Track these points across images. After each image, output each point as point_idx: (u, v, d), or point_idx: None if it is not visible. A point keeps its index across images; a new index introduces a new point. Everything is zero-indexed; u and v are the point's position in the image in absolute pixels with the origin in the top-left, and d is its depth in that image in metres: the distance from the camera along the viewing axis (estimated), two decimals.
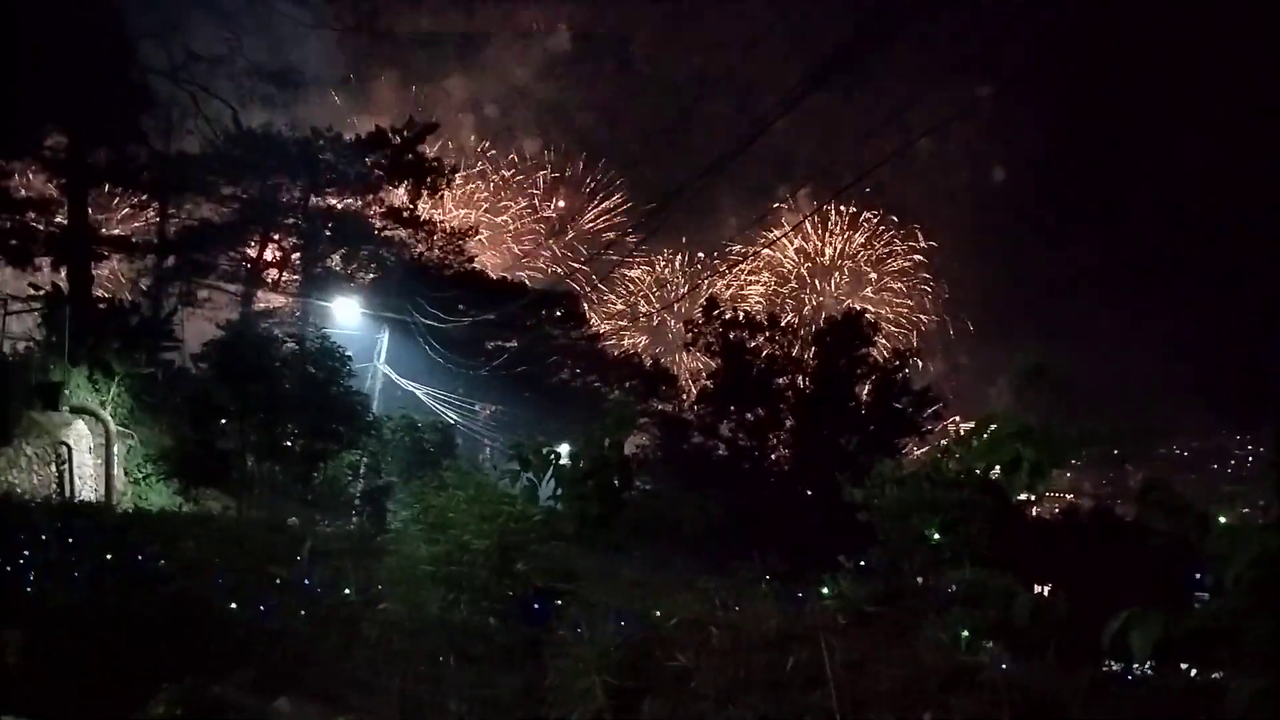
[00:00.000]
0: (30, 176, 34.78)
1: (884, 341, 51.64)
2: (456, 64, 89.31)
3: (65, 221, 32.66)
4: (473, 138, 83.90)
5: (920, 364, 47.94)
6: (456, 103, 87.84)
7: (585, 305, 59.41)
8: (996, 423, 5.42)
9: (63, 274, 31.81)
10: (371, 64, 76.00)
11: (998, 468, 5.48)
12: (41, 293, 29.63)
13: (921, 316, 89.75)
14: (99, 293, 35.69)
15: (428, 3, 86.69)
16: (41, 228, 32.50)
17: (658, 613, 8.28)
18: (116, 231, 39.76)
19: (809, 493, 43.63)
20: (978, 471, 7.69)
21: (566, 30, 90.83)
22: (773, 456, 46.42)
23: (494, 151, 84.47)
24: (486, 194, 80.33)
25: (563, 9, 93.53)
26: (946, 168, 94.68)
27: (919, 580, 8.63)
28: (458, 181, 54.59)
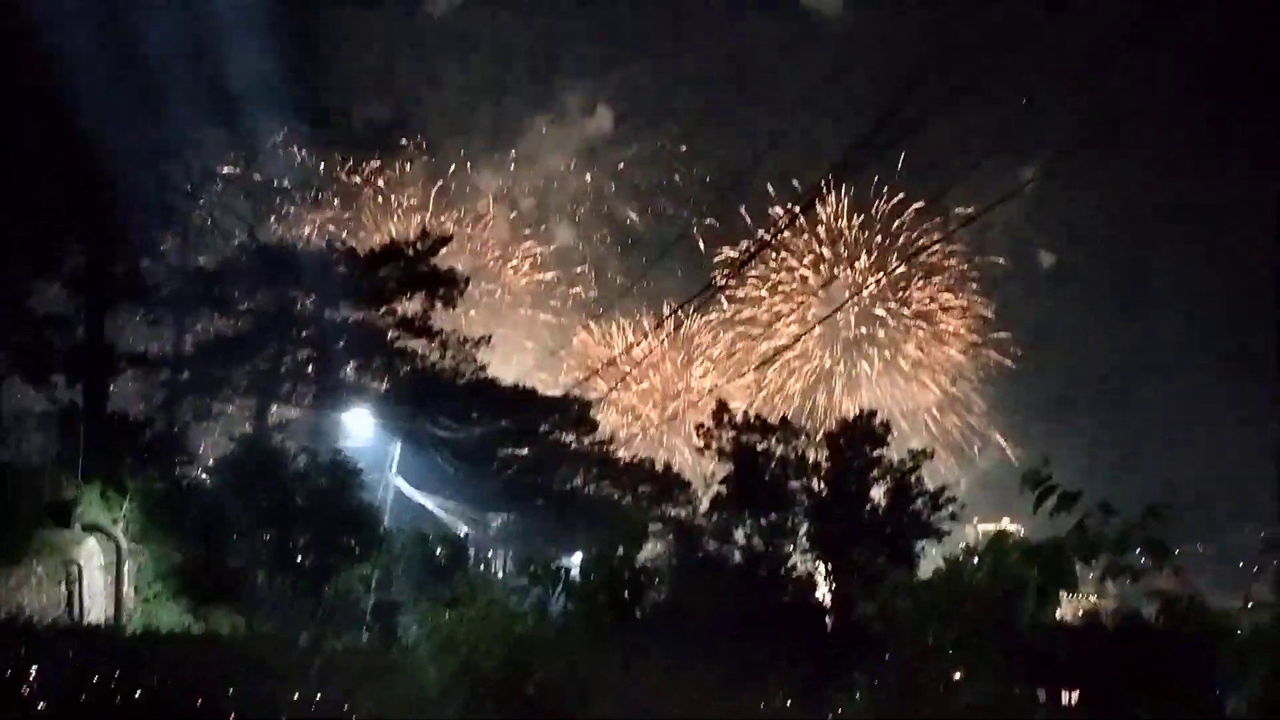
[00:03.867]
0: (48, 294, 35.25)
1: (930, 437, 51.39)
2: (487, 155, 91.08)
3: (82, 337, 33.03)
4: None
5: (929, 466, 47.32)
6: (488, 193, 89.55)
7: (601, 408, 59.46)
8: (1005, 542, 5.37)
9: (78, 390, 32.09)
10: (396, 164, 77.44)
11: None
12: (56, 409, 29.91)
13: (970, 413, 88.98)
14: (115, 406, 35.94)
15: (459, 96, 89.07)
16: (58, 344, 32.83)
17: None
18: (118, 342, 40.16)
19: (827, 599, 43.00)
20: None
21: (606, 111, 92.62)
22: (789, 563, 45.79)
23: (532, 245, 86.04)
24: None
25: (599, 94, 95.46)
26: (1007, 242, 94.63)
27: (938, 691, 8.44)
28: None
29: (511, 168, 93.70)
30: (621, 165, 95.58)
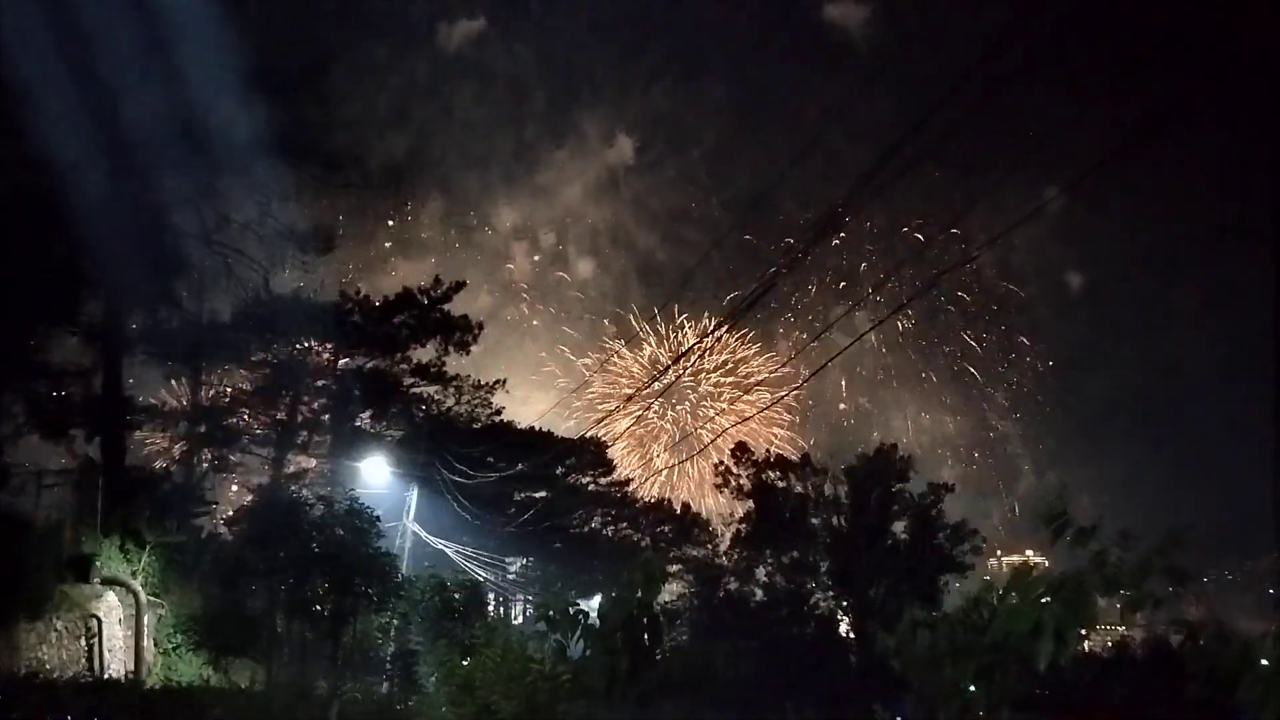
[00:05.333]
0: (64, 346, 35.33)
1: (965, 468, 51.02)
2: (506, 188, 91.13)
3: (99, 390, 33.14)
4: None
5: (962, 498, 47.20)
6: (507, 227, 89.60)
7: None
8: (1028, 580, 5.30)
9: (96, 444, 32.18)
10: (411, 205, 77.60)
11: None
12: (75, 464, 29.95)
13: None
14: (132, 458, 36.04)
15: (476, 129, 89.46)
16: (75, 398, 32.92)
17: None
18: (136, 394, 40.23)
19: (849, 636, 42.69)
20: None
21: (626, 140, 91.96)
22: (812, 600, 45.49)
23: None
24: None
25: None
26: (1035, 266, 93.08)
27: None
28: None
29: (531, 200, 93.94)
30: (642, 193, 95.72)
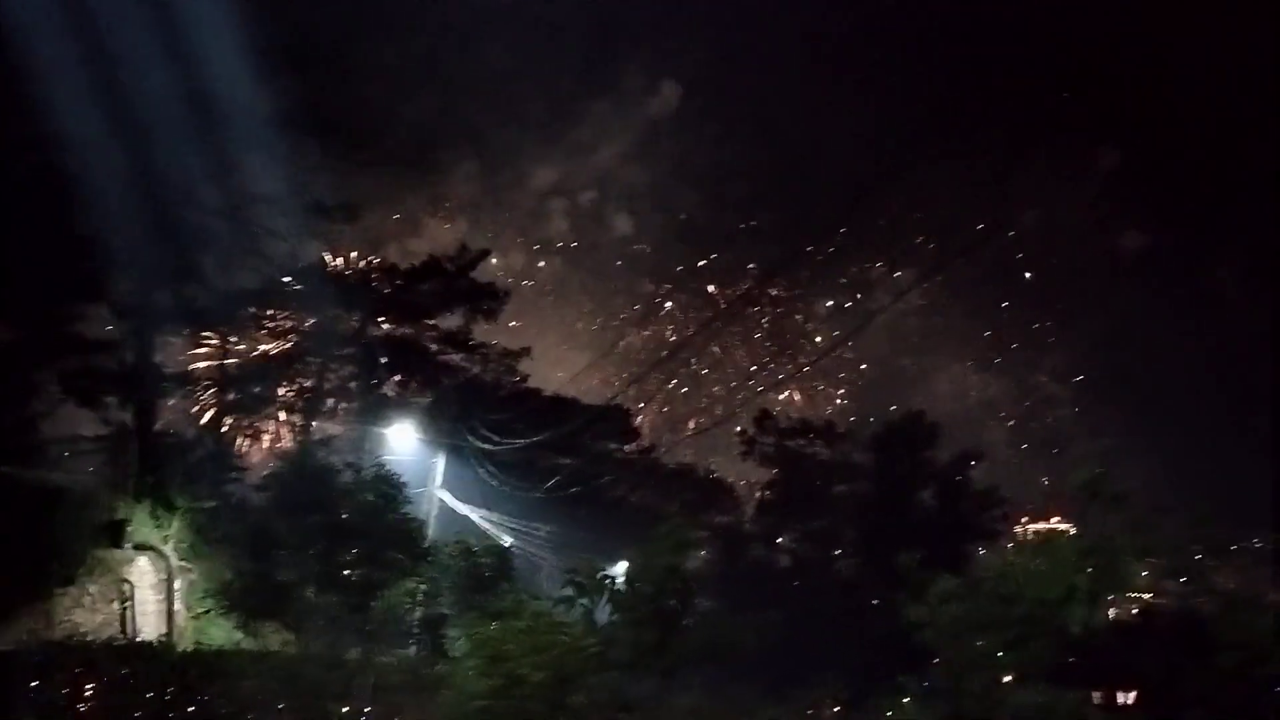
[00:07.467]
0: (97, 318, 35.72)
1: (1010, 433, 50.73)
2: (542, 144, 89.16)
3: (131, 360, 33.49)
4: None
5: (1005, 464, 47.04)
6: (541, 187, 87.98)
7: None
8: (1060, 544, 5.28)
9: (128, 412, 32.53)
10: (444, 165, 76.28)
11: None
12: (109, 431, 30.34)
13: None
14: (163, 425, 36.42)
15: (510, 82, 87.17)
16: (107, 368, 33.31)
17: None
18: (165, 363, 40.57)
19: (874, 603, 42.67)
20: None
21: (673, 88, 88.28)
22: (837, 568, 45.45)
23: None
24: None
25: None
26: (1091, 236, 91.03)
27: (985, 700, 8.25)
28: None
29: (567, 156, 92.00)
30: (684, 150, 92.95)
